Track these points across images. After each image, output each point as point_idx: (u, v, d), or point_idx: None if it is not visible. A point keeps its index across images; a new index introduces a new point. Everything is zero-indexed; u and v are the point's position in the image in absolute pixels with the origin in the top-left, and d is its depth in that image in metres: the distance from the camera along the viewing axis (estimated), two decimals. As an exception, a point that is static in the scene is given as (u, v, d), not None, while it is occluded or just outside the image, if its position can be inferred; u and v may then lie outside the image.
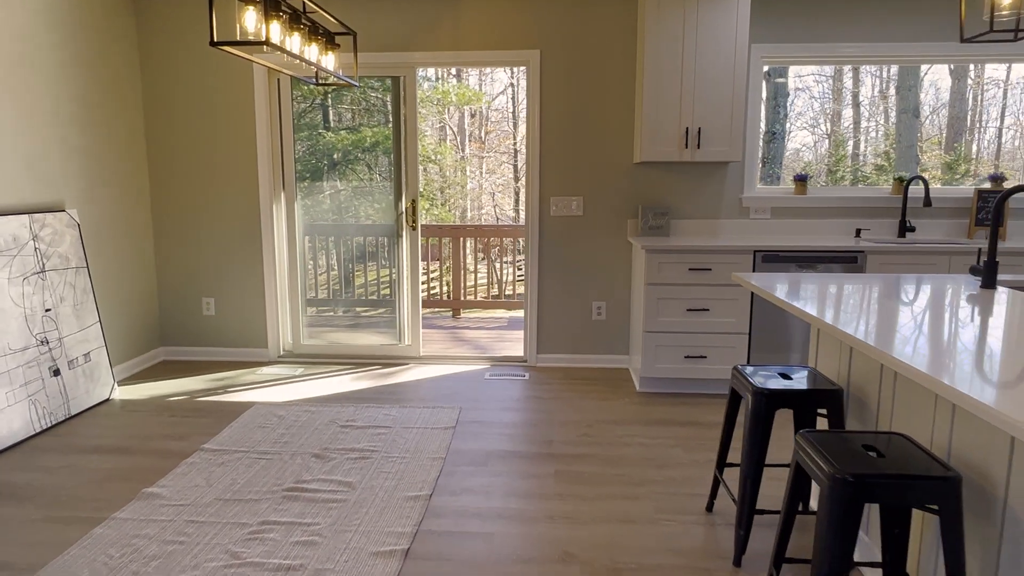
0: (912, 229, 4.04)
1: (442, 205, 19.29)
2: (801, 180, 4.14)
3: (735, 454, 2.98)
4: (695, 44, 3.77)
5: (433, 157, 16.85)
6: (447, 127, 23.12)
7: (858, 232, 4.11)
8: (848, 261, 3.63)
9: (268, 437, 3.21)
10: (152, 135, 4.36)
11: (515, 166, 23.74)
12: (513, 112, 24.27)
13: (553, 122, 4.19)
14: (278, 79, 4.30)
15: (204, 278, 4.49)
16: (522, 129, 26.11)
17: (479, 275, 6.80)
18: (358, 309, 4.88)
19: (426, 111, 18.69)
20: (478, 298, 6.29)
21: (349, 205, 4.63)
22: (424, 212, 16.92)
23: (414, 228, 4.39)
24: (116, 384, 3.87)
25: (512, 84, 23.77)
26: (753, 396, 2.12)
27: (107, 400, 3.75)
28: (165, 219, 4.44)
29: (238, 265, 4.46)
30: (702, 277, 3.68)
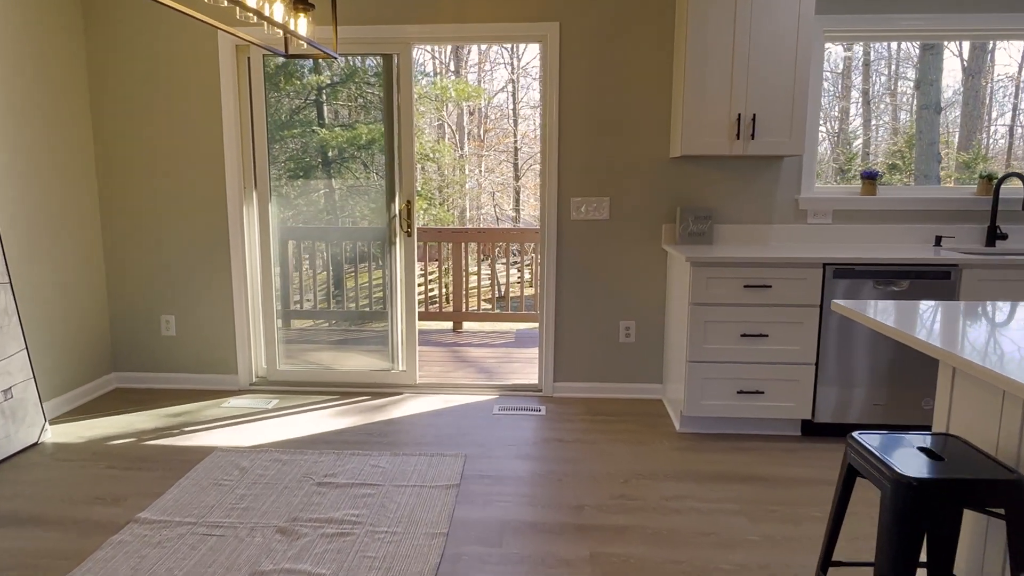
0: (1004, 236, 3.39)
1: (440, 204, 18.62)
2: (870, 178, 3.48)
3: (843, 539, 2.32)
4: (750, 14, 3.11)
5: (431, 155, 16.18)
6: (445, 125, 22.47)
7: (938, 240, 3.45)
8: (939, 276, 2.97)
9: (224, 500, 2.54)
10: (100, 123, 3.69)
11: (515, 164, 23.09)
12: (513, 109, 23.62)
13: (574, 109, 3.53)
14: (248, 58, 3.63)
15: (163, 292, 3.82)
16: (522, 127, 25.38)
17: (482, 280, 6.13)
18: (346, 324, 4.21)
19: (424, 108, 18.02)
20: (481, 309, 5.62)
21: (336, 207, 3.97)
22: (422, 212, 16.21)
23: (409, 234, 3.72)
24: (48, 424, 3.20)
25: (512, 80, 23.11)
26: (896, 489, 1.46)
27: (35, 444, 3.08)
28: (116, 223, 3.77)
29: (203, 277, 3.79)
30: (760, 296, 3.02)
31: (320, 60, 3.83)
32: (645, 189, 3.57)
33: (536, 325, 5.57)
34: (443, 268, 6.35)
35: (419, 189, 16.79)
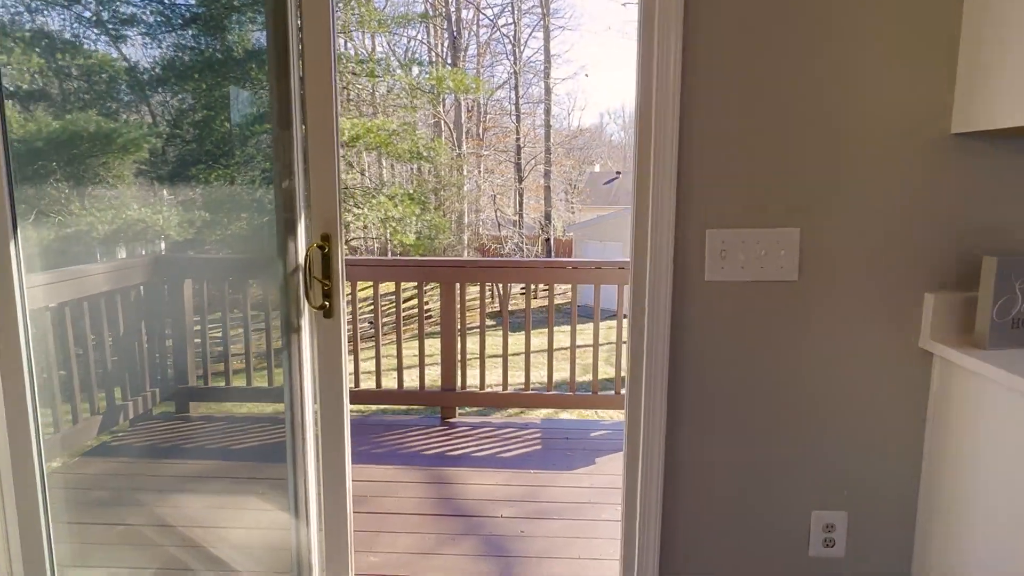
0: None
1: (436, 209, 16.51)
2: None
3: None
4: None
5: (425, 154, 14.08)
6: (442, 122, 20.35)
7: None
8: None
9: None
10: None
11: (518, 164, 20.99)
12: (516, 104, 21.51)
13: (722, 30, 1.41)
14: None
15: None
16: (526, 123, 23.30)
17: (487, 307, 3.98)
18: (213, 455, 2.16)
19: (419, 102, 15.91)
20: (486, 388, 3.49)
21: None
22: (415, 218, 13.99)
23: (328, 313, 1.57)
24: None
25: (515, 72, 21.03)
26: None
27: None
28: None
29: None
30: None
31: None
32: (885, 211, 1.46)
33: (574, 415, 3.42)
34: (424, 291, 4.28)
35: (411, 192, 14.54)
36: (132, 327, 2.74)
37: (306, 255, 1.52)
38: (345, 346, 1.60)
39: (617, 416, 3.83)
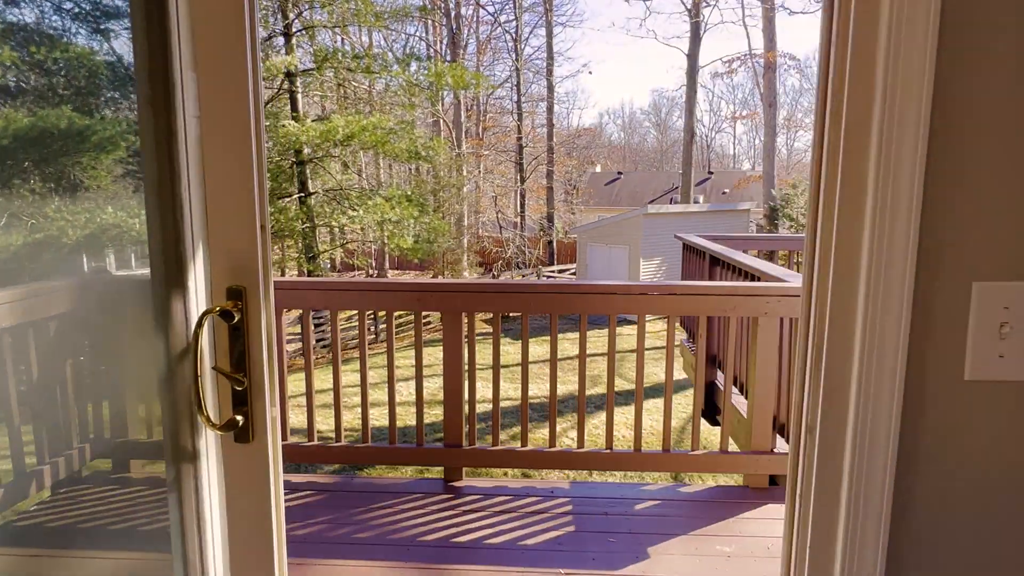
0: None
1: (435, 211, 15.76)
2: None
3: None
4: None
5: (424, 153, 13.33)
6: (441, 121, 19.60)
7: None
8: None
9: None
10: None
11: (519, 164, 20.25)
12: (517, 102, 20.77)
13: None
14: None
15: None
16: (528, 123, 22.67)
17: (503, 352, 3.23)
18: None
19: (417, 99, 15.16)
20: (499, 443, 2.74)
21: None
22: (413, 221, 13.21)
23: (243, 435, 0.85)
24: None
25: (516, 70, 20.30)
26: None
27: None
28: None
29: None
30: None
31: None
32: None
33: (600, 469, 2.59)
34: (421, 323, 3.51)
35: (409, 193, 13.74)
36: (52, 368, 2.02)
37: (196, 330, 0.78)
38: (279, 493, 0.86)
39: (664, 480, 3.10)
